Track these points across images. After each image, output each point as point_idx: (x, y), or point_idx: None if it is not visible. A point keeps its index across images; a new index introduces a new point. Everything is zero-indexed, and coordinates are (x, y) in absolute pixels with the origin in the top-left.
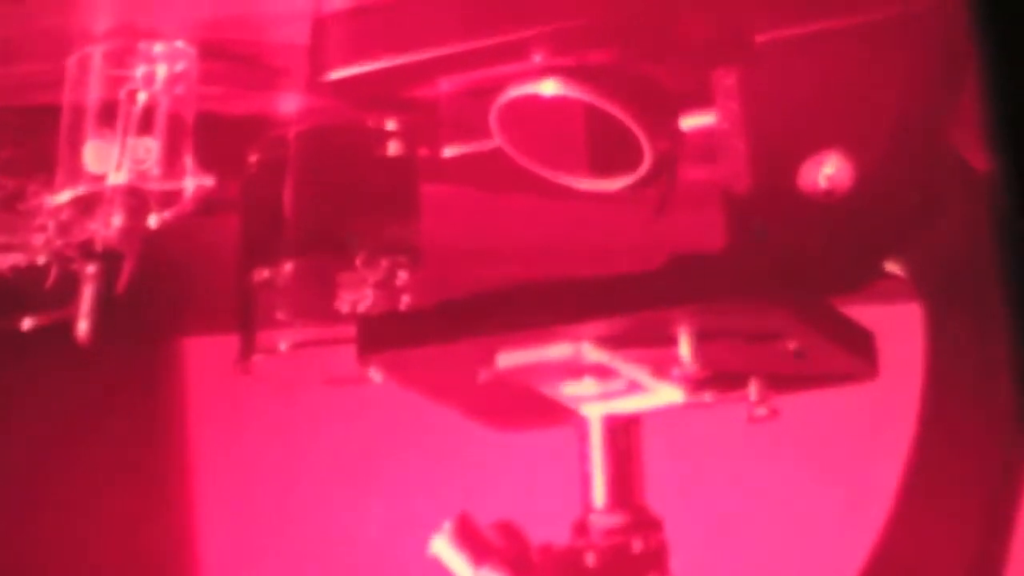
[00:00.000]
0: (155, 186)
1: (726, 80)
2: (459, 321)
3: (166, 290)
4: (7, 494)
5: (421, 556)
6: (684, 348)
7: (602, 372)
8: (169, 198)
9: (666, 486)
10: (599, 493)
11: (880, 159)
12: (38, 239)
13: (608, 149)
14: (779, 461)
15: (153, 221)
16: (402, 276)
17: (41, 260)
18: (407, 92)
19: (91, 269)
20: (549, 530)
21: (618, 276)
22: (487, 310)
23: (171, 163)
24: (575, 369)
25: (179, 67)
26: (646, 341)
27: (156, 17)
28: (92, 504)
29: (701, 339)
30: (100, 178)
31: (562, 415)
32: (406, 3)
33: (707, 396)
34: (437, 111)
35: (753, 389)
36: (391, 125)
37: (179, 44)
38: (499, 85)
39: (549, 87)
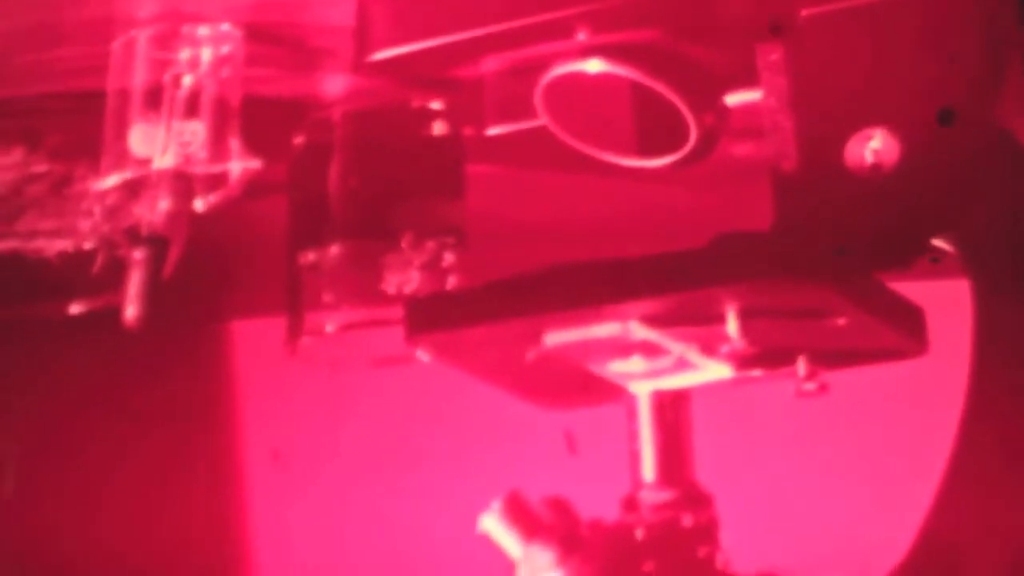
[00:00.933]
0: (201, 169)
1: (771, 56)
2: (507, 301)
3: (213, 273)
4: (57, 479)
5: (471, 534)
6: (732, 326)
7: (650, 350)
8: (215, 181)
9: (716, 461)
10: (648, 469)
11: (926, 134)
12: (85, 224)
13: (653, 126)
14: (828, 436)
15: (199, 205)
16: (448, 257)
17: (88, 245)
18: (452, 72)
19: (138, 254)
20: (598, 507)
21: (665, 255)
22: (534, 290)
23: (217, 146)
24: (623, 347)
25: (224, 50)
26: (694, 319)
27: (201, 0)
28: (141, 486)
29: (749, 316)
30: (146, 162)
31: (610, 393)
32: None
33: (755, 372)
34: (482, 90)
35: (801, 365)
36: (436, 105)
37: (224, 27)
38: (543, 64)
39: (594, 65)
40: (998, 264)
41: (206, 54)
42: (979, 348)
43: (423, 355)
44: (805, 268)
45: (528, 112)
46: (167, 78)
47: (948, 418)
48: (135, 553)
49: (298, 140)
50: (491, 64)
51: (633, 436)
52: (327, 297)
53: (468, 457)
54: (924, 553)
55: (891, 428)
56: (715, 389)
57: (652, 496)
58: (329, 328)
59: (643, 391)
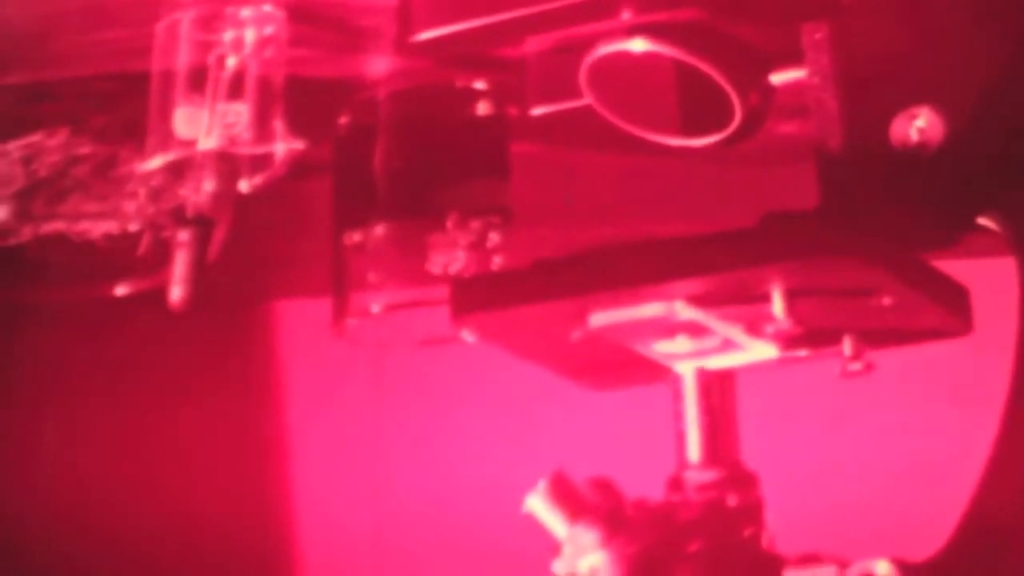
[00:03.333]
0: (246, 151)
1: (816, 34)
2: (552, 281)
3: (258, 254)
4: (102, 461)
5: (516, 514)
6: (777, 306)
7: (695, 330)
8: (260, 162)
9: (761, 441)
10: (694, 449)
11: (972, 112)
12: (130, 206)
13: (698, 106)
14: (874, 418)
15: (244, 186)
16: (493, 237)
17: (133, 227)
18: (495, 51)
19: (183, 235)
20: (644, 487)
21: (710, 234)
22: (580, 270)
23: (261, 127)
24: (668, 327)
25: (268, 31)
26: (739, 299)
27: None
28: (187, 466)
29: (794, 296)
30: (191, 144)
31: (655, 372)
32: None
33: (801, 352)
34: (526, 70)
35: (847, 344)
36: (480, 85)
37: (267, 8)
38: (588, 43)
39: (638, 44)
40: None
41: (249, 35)
42: None
43: (468, 335)
44: (851, 247)
45: (572, 92)
46: (211, 59)
47: (994, 398)
48: (182, 530)
49: (342, 121)
50: (535, 44)
51: (678, 416)
52: (372, 277)
53: (513, 438)
54: (969, 535)
55: (936, 409)
56: (760, 369)
57: (697, 476)
58: (374, 308)
59: (688, 371)
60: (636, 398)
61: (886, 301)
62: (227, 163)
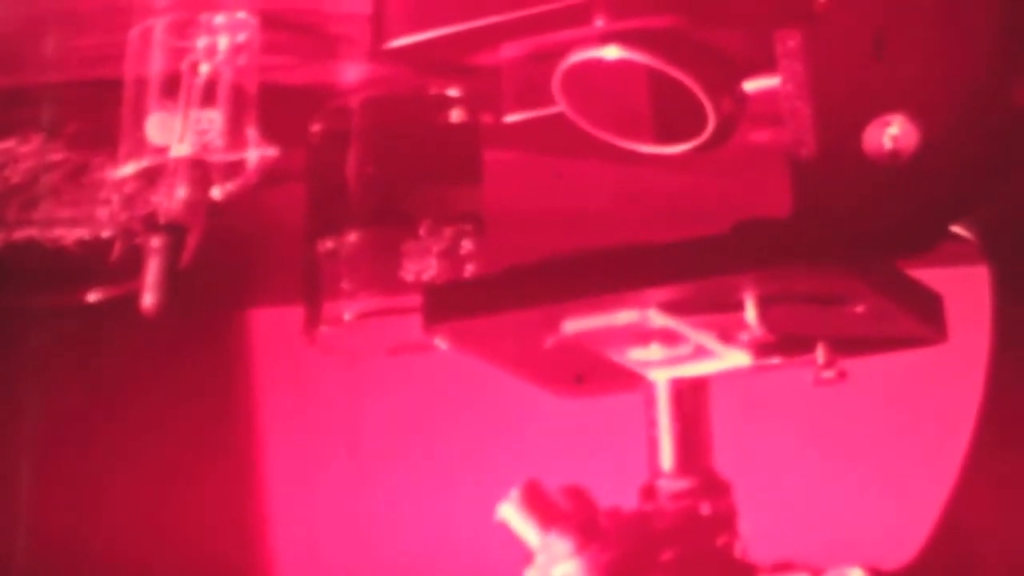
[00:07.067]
0: (218, 158)
1: (789, 42)
2: (525, 288)
3: (231, 262)
4: (73, 467)
5: (488, 522)
6: (751, 313)
7: (669, 337)
8: (233, 169)
9: (734, 449)
10: (667, 457)
11: (946, 120)
12: (103, 212)
13: (671, 113)
14: (846, 425)
15: (217, 193)
16: (466, 245)
17: (106, 233)
18: (469, 58)
19: (156, 242)
20: (616, 496)
21: (684, 242)
22: (553, 277)
23: (234, 134)
24: (642, 335)
25: (241, 38)
26: (713, 306)
27: None
28: (158, 474)
29: (768, 304)
30: (163, 150)
31: (629, 380)
32: None
33: (774, 360)
34: (499, 77)
35: (820, 352)
36: (453, 92)
37: (240, 15)
38: (561, 50)
39: (612, 52)
40: (1017, 250)
41: (223, 42)
42: (998, 336)
43: (441, 343)
44: (824, 255)
45: (546, 99)
46: (184, 66)
47: (966, 406)
48: (152, 540)
49: (315, 128)
50: (509, 51)
51: (651, 424)
52: (345, 285)
53: (486, 446)
54: (941, 543)
55: (909, 416)
56: (733, 377)
57: (670, 484)
58: (347, 316)
59: (661, 379)
60: (610, 406)
61: (859, 309)
62: (200, 170)
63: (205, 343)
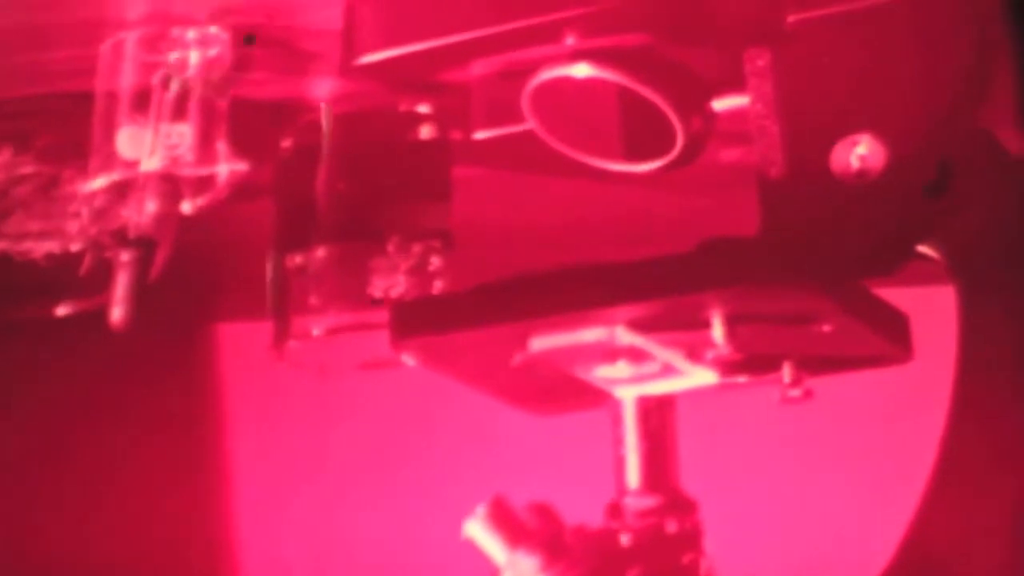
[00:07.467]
0: (188, 172)
1: (758, 61)
2: (492, 305)
3: (200, 276)
4: (40, 482)
5: (455, 539)
6: (718, 331)
7: (636, 355)
8: (202, 184)
9: (701, 467)
10: (633, 475)
11: (913, 140)
12: (73, 226)
13: (640, 131)
14: (813, 443)
15: (187, 207)
16: (435, 261)
17: (76, 247)
18: (439, 75)
19: (125, 256)
20: (583, 513)
21: (652, 259)
22: (520, 294)
23: (204, 149)
24: (609, 352)
25: (212, 53)
26: (680, 324)
27: (189, 3)
28: (126, 489)
29: (735, 322)
30: (134, 164)
31: (596, 398)
32: None
33: (741, 378)
34: (469, 94)
35: (787, 371)
36: (423, 108)
37: (212, 30)
38: (531, 68)
39: (581, 69)
40: (983, 270)
41: (194, 57)
42: (964, 354)
43: (409, 359)
44: (791, 274)
45: (515, 116)
46: (155, 80)
47: (933, 424)
48: (122, 557)
49: (285, 143)
50: (479, 68)
51: (618, 442)
52: (313, 300)
53: (452, 462)
54: (909, 559)
55: (876, 435)
56: (700, 395)
57: (636, 502)
58: (315, 332)
59: (628, 396)
60: (576, 423)
61: (826, 328)
62: (170, 184)
63: (174, 357)
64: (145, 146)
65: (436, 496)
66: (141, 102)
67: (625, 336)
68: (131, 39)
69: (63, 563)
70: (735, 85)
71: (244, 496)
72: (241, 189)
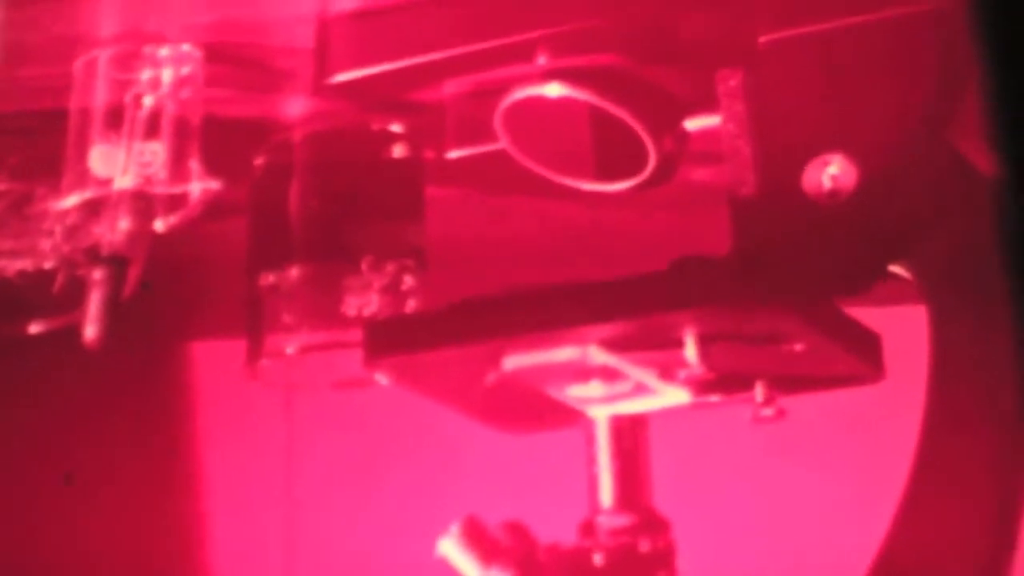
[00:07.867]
0: (161, 190)
1: (730, 81)
2: (466, 324)
3: (173, 294)
4: (15, 496)
5: (429, 558)
6: (690, 351)
7: (609, 374)
8: (175, 202)
9: (673, 486)
10: (606, 494)
11: (884, 160)
12: (45, 244)
13: (613, 151)
14: (785, 462)
15: (159, 225)
16: (408, 280)
17: (48, 265)
18: (412, 95)
19: (98, 274)
20: (556, 531)
21: (624, 279)
22: (493, 313)
23: (177, 167)
24: (582, 371)
25: (185, 71)
26: (652, 344)
27: (162, 21)
28: (100, 505)
29: (707, 341)
30: (106, 182)
31: (569, 417)
32: (410, 6)
33: (714, 397)
34: (442, 113)
35: (759, 390)
36: (396, 128)
37: (185, 48)
38: (504, 87)
39: (554, 89)
40: (955, 290)
41: (167, 74)
42: (936, 374)
43: (382, 378)
44: (763, 294)
45: (488, 135)
46: (128, 98)
47: (905, 443)
48: (92, 568)
49: (258, 161)
50: (451, 87)
51: (591, 461)
52: (287, 319)
53: (426, 481)
54: (886, 571)
55: (848, 454)
56: (673, 414)
57: (609, 521)
58: (289, 350)
59: (601, 416)
60: (550, 442)
61: (798, 347)
62: (143, 202)
63: (147, 375)
64: (118, 164)
65: (409, 514)
66: (114, 120)
67: (598, 355)
68: (104, 57)
69: (36, 572)
70: (707, 105)
71: (217, 513)
72: (214, 207)
